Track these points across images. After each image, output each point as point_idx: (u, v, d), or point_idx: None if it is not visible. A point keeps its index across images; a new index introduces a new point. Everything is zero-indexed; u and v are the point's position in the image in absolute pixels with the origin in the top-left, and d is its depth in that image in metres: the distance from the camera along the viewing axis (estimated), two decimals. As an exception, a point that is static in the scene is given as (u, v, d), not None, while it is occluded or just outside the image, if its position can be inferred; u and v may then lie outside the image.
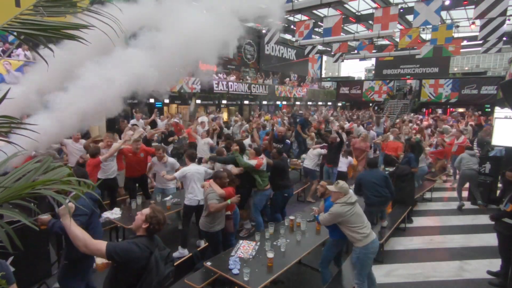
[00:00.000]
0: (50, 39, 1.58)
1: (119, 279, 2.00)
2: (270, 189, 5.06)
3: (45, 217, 2.66)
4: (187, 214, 4.54)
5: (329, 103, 27.14)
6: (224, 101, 17.39)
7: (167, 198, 4.98)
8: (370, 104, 24.52)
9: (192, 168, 4.49)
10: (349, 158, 6.98)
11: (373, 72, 30.69)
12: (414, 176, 6.03)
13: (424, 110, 22.67)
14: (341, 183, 3.34)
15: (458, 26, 18.47)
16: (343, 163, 6.87)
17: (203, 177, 4.53)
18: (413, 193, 6.04)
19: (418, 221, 6.05)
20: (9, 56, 9.22)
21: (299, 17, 18.25)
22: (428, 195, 7.37)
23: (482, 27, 12.31)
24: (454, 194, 7.79)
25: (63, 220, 1.97)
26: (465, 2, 14.89)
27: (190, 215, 4.57)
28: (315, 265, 4.22)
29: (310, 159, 6.90)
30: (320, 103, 25.87)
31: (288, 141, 7.46)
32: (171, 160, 5.37)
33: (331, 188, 3.40)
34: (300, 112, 13.84)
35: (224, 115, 16.82)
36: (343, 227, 3.26)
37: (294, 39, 18.50)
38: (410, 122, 11.73)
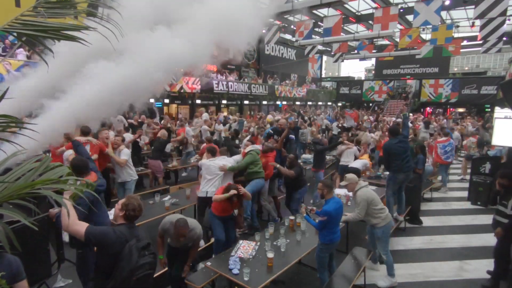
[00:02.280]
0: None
1: (99, 266, 2.12)
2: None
3: (56, 210, 2.96)
4: (198, 206, 4.82)
5: (329, 103, 27.15)
6: (224, 101, 17.39)
7: (166, 199, 4.97)
8: (370, 104, 24.59)
9: (206, 162, 4.76)
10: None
11: (373, 72, 30.71)
12: (421, 177, 6.12)
13: (422, 110, 22.68)
14: (348, 175, 3.87)
15: (458, 26, 18.47)
16: (353, 160, 7.00)
17: (217, 171, 4.75)
18: (420, 194, 6.12)
19: (418, 221, 6.05)
20: (11, 56, 9.23)
21: (299, 17, 18.25)
22: (428, 195, 7.37)
23: (482, 27, 12.31)
24: (454, 194, 7.81)
25: (65, 195, 2.06)
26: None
27: (201, 207, 4.78)
28: (315, 265, 4.22)
29: (347, 157, 7.09)
30: (320, 103, 25.89)
31: (292, 136, 7.49)
32: (124, 151, 5.35)
33: (342, 183, 3.93)
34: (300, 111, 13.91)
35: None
36: (368, 211, 3.71)
37: (294, 39, 18.50)
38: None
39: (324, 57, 30.33)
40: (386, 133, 8.54)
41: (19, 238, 1.27)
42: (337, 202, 3.42)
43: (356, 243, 4.68)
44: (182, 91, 14.10)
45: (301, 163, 7.99)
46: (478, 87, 20.68)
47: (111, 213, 4.39)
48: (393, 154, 4.93)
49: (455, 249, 4.97)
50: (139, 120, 9.60)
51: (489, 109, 19.19)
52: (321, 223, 3.34)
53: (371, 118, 14.86)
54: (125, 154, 5.28)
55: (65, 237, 4.47)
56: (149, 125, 8.91)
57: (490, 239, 5.14)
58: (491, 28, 12.10)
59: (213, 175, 4.70)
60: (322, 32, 16.69)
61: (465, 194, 7.42)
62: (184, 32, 3.78)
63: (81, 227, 2.03)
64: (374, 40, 20.64)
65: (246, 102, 18.81)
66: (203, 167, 4.78)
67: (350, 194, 5.33)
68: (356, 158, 7.13)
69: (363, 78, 43.75)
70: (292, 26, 18.26)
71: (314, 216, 3.70)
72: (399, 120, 12.72)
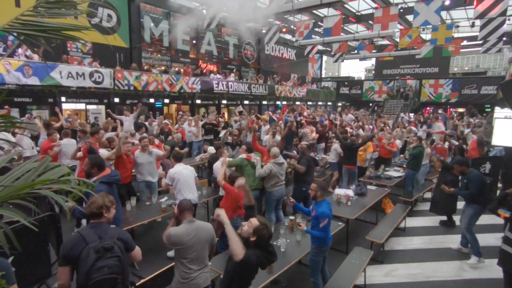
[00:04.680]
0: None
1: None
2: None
3: (69, 204, 2.83)
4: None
5: (329, 103, 27.15)
6: (224, 101, 17.40)
7: (162, 200, 4.93)
8: (370, 104, 24.58)
9: (179, 168, 4.43)
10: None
11: (373, 72, 30.70)
12: (459, 179, 5.76)
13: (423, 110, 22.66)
14: (275, 149, 4.93)
15: (458, 26, 18.47)
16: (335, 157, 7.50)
17: (193, 175, 4.57)
18: (457, 197, 5.69)
19: (418, 221, 6.05)
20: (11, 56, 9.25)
21: (299, 17, 18.25)
22: (428, 195, 7.37)
23: (482, 27, 12.30)
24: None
25: None
26: (467, 1, 14.57)
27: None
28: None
29: (332, 154, 7.59)
30: (320, 103, 25.88)
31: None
32: (155, 150, 5.38)
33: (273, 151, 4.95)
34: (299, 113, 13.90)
35: (225, 115, 16.86)
36: (268, 179, 4.90)
37: (294, 39, 18.50)
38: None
39: (324, 57, 30.34)
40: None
41: (19, 238, 1.27)
42: (329, 203, 3.42)
43: (356, 243, 4.69)
44: (182, 91, 14.10)
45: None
46: (478, 87, 20.67)
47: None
48: (484, 184, 4.52)
49: (455, 249, 4.97)
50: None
51: (489, 109, 19.19)
52: (325, 228, 3.25)
53: (371, 126, 12.38)
54: (154, 154, 5.33)
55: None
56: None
57: (490, 239, 5.15)
58: (491, 28, 12.09)
59: (191, 179, 4.47)
60: (322, 32, 16.70)
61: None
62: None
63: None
64: (374, 40, 20.62)
65: (246, 102, 18.80)
66: (176, 175, 4.34)
67: (350, 194, 5.36)
68: (339, 155, 7.28)
69: (363, 78, 43.74)
70: (292, 26, 18.27)
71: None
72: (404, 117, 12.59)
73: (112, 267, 1.95)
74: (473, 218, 4.54)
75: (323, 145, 10.23)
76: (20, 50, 9.50)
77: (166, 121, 10.62)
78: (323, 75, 33.70)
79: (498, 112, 8.87)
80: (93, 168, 3.32)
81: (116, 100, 12.10)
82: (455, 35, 17.48)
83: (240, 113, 11.89)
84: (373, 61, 29.69)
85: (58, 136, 5.96)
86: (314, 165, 5.68)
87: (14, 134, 5.38)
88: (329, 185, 7.21)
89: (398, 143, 8.62)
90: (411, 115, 18.15)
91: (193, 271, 2.59)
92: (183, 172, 4.41)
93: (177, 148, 5.63)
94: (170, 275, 3.68)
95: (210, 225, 2.82)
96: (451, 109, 22.27)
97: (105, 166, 3.45)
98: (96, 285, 1.89)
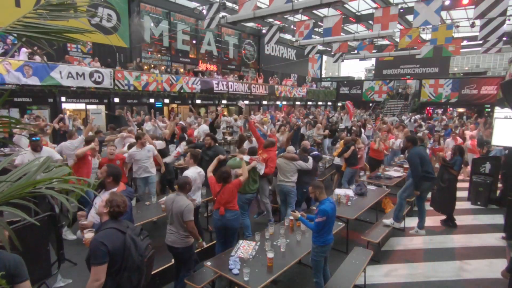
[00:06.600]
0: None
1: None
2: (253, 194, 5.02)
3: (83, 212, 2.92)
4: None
5: (329, 103, 27.17)
6: (224, 101, 17.41)
7: (162, 199, 4.91)
8: (370, 104, 24.57)
9: (194, 171, 4.31)
10: None
11: (373, 72, 30.72)
12: (456, 178, 5.90)
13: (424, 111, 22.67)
14: (290, 147, 5.47)
15: (458, 26, 18.48)
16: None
17: (202, 180, 4.46)
18: (454, 194, 5.82)
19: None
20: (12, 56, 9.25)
21: (299, 17, 18.26)
22: (428, 195, 7.35)
23: (482, 27, 12.32)
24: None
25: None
26: (468, 3, 14.43)
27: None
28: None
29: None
30: (320, 103, 25.90)
31: (317, 152, 7.62)
32: (150, 147, 5.48)
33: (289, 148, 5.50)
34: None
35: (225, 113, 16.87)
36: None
37: (294, 39, 18.51)
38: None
39: (324, 57, 30.35)
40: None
41: (19, 238, 1.27)
42: (332, 202, 3.37)
43: (356, 243, 4.69)
44: (182, 91, 14.11)
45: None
46: (478, 87, 20.69)
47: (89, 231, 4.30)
48: (425, 160, 5.00)
49: (455, 249, 4.97)
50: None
51: (489, 109, 19.19)
52: (319, 224, 3.22)
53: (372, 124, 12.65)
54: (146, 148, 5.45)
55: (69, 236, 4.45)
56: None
57: (490, 239, 5.15)
58: (491, 28, 12.11)
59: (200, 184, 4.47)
60: (322, 32, 16.70)
61: (465, 194, 7.42)
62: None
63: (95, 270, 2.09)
64: (374, 40, 20.66)
65: (246, 102, 18.83)
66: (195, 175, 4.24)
67: (350, 194, 5.36)
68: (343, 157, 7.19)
69: (363, 78, 43.79)
70: (292, 26, 18.28)
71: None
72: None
73: (150, 244, 2.34)
74: (409, 190, 5.17)
75: (328, 141, 10.25)
76: (22, 51, 9.48)
77: (181, 122, 10.44)
78: (323, 75, 33.71)
79: (498, 112, 8.85)
80: (108, 177, 3.12)
81: (116, 100, 12.11)
82: (455, 35, 17.50)
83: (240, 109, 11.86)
84: (373, 61, 29.72)
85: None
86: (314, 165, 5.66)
87: (12, 135, 5.37)
88: (334, 187, 7.20)
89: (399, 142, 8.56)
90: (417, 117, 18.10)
91: (169, 230, 3.38)
92: (198, 179, 4.31)
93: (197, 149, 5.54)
94: (168, 274, 3.70)
95: (187, 204, 3.28)
96: (451, 108, 22.29)
97: (120, 180, 3.24)
98: (149, 260, 2.28)
